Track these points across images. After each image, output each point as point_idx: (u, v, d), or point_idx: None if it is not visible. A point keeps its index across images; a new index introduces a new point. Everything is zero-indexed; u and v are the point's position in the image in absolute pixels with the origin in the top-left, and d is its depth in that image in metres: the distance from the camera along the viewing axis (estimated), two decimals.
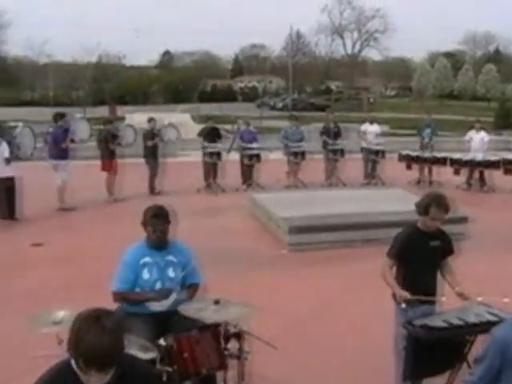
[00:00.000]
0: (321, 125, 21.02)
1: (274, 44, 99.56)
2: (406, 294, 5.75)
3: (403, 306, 5.77)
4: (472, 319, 5.51)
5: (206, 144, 18.73)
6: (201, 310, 5.21)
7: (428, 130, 20.05)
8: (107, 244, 11.82)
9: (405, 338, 5.68)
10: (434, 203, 5.88)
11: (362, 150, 20.00)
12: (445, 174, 19.45)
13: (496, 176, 19.00)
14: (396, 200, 14.32)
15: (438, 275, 6.15)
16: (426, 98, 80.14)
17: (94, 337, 3.22)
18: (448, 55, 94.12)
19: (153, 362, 4.88)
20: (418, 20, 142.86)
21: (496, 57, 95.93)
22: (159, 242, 5.83)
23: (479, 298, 5.78)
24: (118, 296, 5.79)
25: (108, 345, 3.23)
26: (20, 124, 15.88)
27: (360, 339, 7.60)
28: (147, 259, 5.81)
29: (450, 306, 5.93)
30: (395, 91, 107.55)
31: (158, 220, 5.76)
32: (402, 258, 5.99)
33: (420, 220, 6.02)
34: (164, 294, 5.74)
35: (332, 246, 11.98)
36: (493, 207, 16.57)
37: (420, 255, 5.93)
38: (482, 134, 19.56)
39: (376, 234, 11.90)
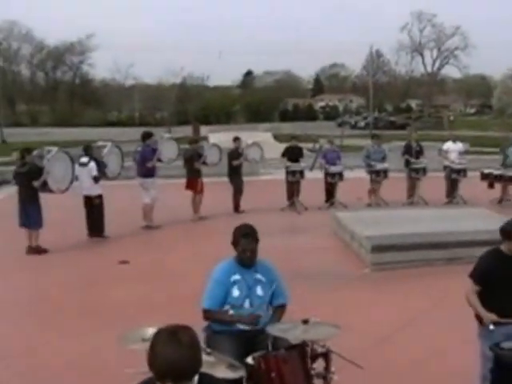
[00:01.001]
0: (402, 143, 20.83)
1: (354, 63, 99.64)
2: (493, 316, 5.63)
3: (491, 327, 5.65)
4: None
5: (289, 163, 18.83)
6: (288, 329, 5.18)
7: (511, 149, 19.60)
8: (193, 262, 11.95)
9: (489, 360, 5.54)
10: None
11: (445, 168, 19.66)
12: None
13: None
14: (478, 219, 14.05)
15: None
16: (507, 115, 78.58)
17: (171, 351, 3.24)
18: None
19: (239, 381, 4.88)
20: (499, 37, 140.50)
21: None
22: (249, 261, 5.85)
23: None
24: (209, 314, 5.82)
25: (184, 359, 3.24)
26: (109, 144, 16.18)
27: (441, 361, 7.45)
28: (237, 277, 5.83)
29: None
30: (475, 109, 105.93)
31: (248, 239, 5.78)
32: (486, 280, 5.88)
33: (504, 243, 5.91)
34: (253, 319, 5.73)
35: (414, 265, 11.81)
36: None
37: (503, 279, 5.82)
38: None
39: (459, 253, 11.71)
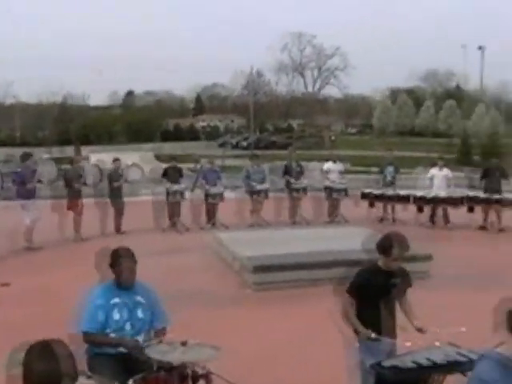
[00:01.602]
0: (283, 163, 21.17)
1: (235, 83, 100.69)
2: (370, 333, 5.86)
3: (357, 344, 5.93)
4: (441, 360, 5.54)
5: (169, 183, 18.88)
6: (168, 351, 5.23)
7: (390, 168, 20.28)
8: (74, 283, 11.74)
9: (372, 375, 5.72)
10: (396, 245, 6.00)
11: (326, 188, 20.13)
12: (408, 211, 19.67)
13: (459, 213, 19.25)
14: (360, 238, 14.41)
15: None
16: (387, 135, 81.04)
17: (47, 364, 3.24)
18: (409, 92, 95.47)
19: None
20: (378, 57, 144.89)
21: (456, 93, 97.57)
22: (128, 282, 5.89)
23: (437, 330, 5.86)
24: (89, 337, 5.80)
25: (61, 370, 3.24)
26: None
27: (325, 380, 7.62)
28: (116, 300, 5.86)
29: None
30: (356, 129, 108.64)
31: (125, 260, 5.83)
32: (363, 295, 6.07)
33: (381, 259, 6.13)
34: (132, 345, 5.73)
35: (297, 284, 11.99)
36: (457, 244, 16.70)
37: (380, 293, 6.02)
38: (445, 171, 19.79)
39: (341, 272, 11.98)
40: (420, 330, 6.01)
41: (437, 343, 5.79)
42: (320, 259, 12.66)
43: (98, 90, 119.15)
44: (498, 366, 3.91)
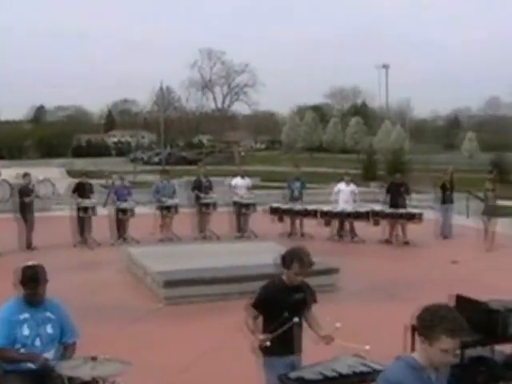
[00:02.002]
0: (193, 178, 21.16)
1: (146, 99, 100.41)
2: (267, 338, 5.92)
3: (261, 354, 6.00)
4: (346, 370, 5.63)
5: (79, 199, 18.67)
6: (78, 366, 5.18)
7: (298, 183, 20.50)
8: None
9: None
10: (296, 260, 6.03)
11: (234, 203, 20.18)
12: (316, 225, 19.89)
13: (366, 227, 19.55)
14: (269, 252, 14.52)
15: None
16: (295, 150, 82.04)
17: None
18: (316, 109, 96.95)
19: None
20: (287, 74, 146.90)
21: (362, 110, 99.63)
22: (35, 302, 5.84)
23: (343, 343, 5.96)
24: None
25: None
26: None
27: None
28: (26, 315, 5.81)
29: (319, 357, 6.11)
30: (265, 144, 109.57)
31: (32, 280, 5.80)
32: (267, 309, 6.10)
33: (284, 273, 6.17)
34: (41, 362, 5.68)
35: (208, 299, 12.00)
36: (363, 257, 16.97)
37: (284, 307, 6.02)
38: (352, 186, 20.09)
39: (251, 287, 12.00)
40: (326, 338, 6.08)
41: (343, 355, 5.89)
42: (230, 274, 12.70)
43: (8, 104, 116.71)
44: (407, 369, 4.00)
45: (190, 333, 10.26)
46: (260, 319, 6.19)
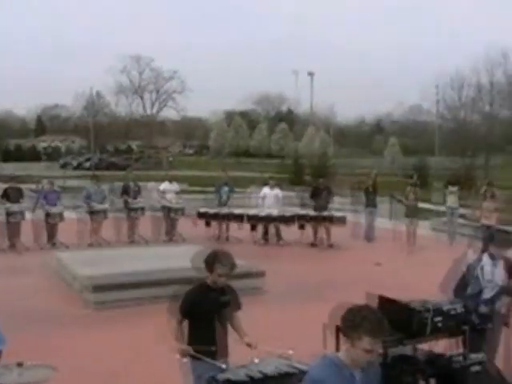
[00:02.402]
0: (122, 184, 20.97)
1: (76, 104, 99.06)
2: (188, 348, 5.90)
3: (184, 360, 5.97)
4: (272, 372, 5.62)
5: (8, 204, 18.35)
6: (4, 373, 5.06)
7: (225, 188, 20.55)
8: None
9: None
10: (218, 261, 6.03)
11: (163, 208, 20.11)
12: (242, 229, 19.95)
13: (291, 231, 19.69)
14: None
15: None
16: (223, 156, 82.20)
17: None
18: (243, 115, 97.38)
19: None
20: (214, 81, 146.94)
21: (288, 116, 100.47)
22: None
23: (267, 348, 5.97)
24: None
25: None
26: None
27: None
28: None
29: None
30: (194, 150, 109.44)
31: None
32: (192, 314, 6.07)
33: (208, 277, 6.15)
34: None
35: (139, 302, 11.89)
36: (288, 260, 17.05)
37: (207, 311, 6.03)
38: (276, 190, 20.23)
39: (180, 290, 11.96)
40: (249, 346, 6.08)
41: (268, 358, 5.90)
42: (158, 277, 12.60)
43: None
44: (330, 367, 4.05)
45: (120, 337, 10.14)
46: (186, 323, 6.16)
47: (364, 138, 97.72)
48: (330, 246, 19.16)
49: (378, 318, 3.98)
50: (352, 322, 3.95)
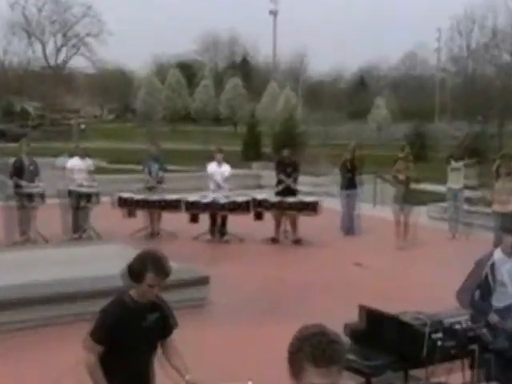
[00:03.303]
0: (13, 160, 20.52)
1: None
2: None
3: None
4: None
5: None
6: None
7: (156, 165, 20.34)
8: None
9: None
10: (149, 268, 5.82)
11: (70, 193, 19.68)
12: (179, 221, 19.83)
13: (245, 222, 19.65)
14: (116, 259, 14.38)
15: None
16: (154, 122, 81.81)
17: None
18: (183, 67, 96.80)
19: None
20: (143, 21, 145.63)
21: (243, 69, 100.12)
22: None
23: None
24: None
25: None
26: None
27: None
28: None
29: None
30: (114, 114, 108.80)
31: None
32: (110, 339, 5.91)
33: (134, 288, 5.99)
34: None
35: (32, 326, 11.70)
36: (241, 262, 16.97)
37: (133, 335, 5.90)
38: (225, 167, 20.12)
39: (92, 306, 11.87)
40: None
41: None
42: (63, 290, 12.48)
43: None
44: None
45: (19, 370, 10.06)
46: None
47: (342, 97, 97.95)
48: (297, 241, 19.27)
49: (326, 340, 3.56)
50: (292, 347, 3.60)
